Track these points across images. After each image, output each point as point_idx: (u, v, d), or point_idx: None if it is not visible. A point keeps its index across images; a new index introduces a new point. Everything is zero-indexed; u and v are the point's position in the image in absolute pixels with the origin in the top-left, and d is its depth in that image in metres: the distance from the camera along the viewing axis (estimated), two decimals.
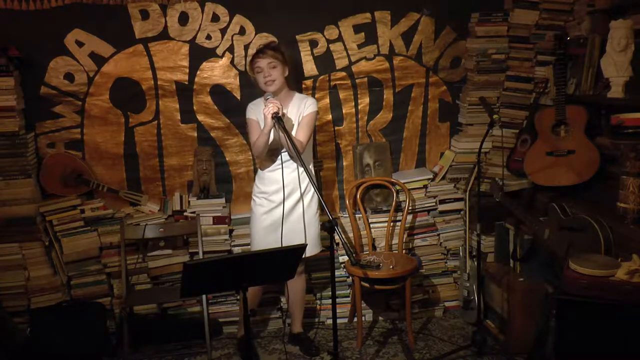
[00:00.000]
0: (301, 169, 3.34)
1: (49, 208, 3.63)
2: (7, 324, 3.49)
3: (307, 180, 3.36)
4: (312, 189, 3.42)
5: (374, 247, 3.93)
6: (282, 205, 3.34)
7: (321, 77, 3.86)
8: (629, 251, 2.75)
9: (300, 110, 3.39)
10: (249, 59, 3.53)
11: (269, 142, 3.25)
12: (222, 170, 3.89)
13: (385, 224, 3.89)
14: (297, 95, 3.47)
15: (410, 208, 3.87)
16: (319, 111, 3.84)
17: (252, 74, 3.42)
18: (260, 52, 3.33)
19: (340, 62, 3.85)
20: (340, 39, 3.82)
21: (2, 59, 3.41)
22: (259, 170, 3.51)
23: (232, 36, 3.74)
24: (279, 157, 3.36)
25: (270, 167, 3.41)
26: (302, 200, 3.39)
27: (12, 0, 3.50)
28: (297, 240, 3.30)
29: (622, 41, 3.13)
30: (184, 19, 3.69)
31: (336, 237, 2.76)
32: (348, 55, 3.85)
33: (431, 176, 3.97)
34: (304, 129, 3.35)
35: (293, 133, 3.33)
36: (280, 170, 3.32)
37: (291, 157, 3.33)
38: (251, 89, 3.67)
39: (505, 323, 3.49)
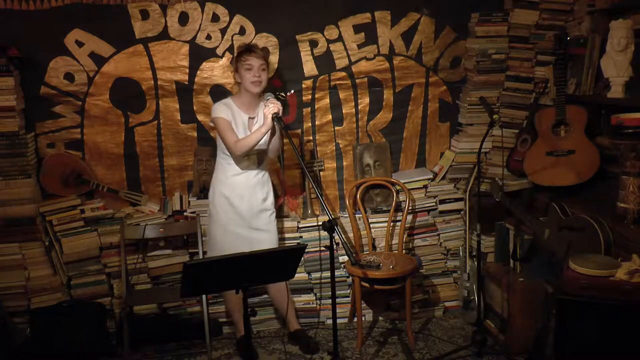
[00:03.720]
0: (263, 173, 3.43)
1: (49, 208, 3.63)
2: (7, 324, 3.49)
3: (268, 183, 3.46)
4: (272, 193, 3.49)
5: (374, 247, 3.93)
6: (248, 210, 3.38)
7: (321, 77, 3.86)
8: (629, 251, 2.76)
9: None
10: (236, 51, 3.43)
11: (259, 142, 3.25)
12: None
13: (385, 224, 3.89)
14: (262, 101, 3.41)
15: (410, 208, 3.87)
16: (319, 111, 3.89)
17: (236, 69, 3.32)
18: (251, 50, 3.30)
19: (340, 62, 3.86)
20: (340, 39, 3.82)
21: (2, 59, 3.41)
22: (219, 174, 3.42)
23: (232, 36, 3.74)
24: (251, 161, 3.36)
25: (236, 171, 3.37)
26: (264, 204, 3.44)
27: (12, 0, 3.50)
28: (263, 244, 3.34)
29: (622, 41, 3.13)
30: (184, 19, 3.69)
31: (336, 237, 2.77)
32: (348, 55, 3.85)
33: (431, 176, 3.97)
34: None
35: (266, 137, 3.28)
36: (246, 174, 3.36)
37: (277, 158, 3.44)
38: None
39: (505, 323, 3.49)
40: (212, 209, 3.44)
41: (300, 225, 3.87)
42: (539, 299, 3.12)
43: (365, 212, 3.92)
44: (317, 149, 3.96)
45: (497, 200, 3.52)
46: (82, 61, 3.64)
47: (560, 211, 3.23)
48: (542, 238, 3.26)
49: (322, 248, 3.82)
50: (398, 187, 3.89)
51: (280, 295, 3.55)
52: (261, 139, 3.21)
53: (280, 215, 3.85)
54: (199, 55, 3.74)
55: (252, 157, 3.37)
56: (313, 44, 3.82)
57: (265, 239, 3.42)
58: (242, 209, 3.38)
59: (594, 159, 3.38)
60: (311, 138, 3.94)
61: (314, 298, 3.93)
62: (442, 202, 3.98)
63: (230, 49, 3.74)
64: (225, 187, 3.38)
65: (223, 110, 3.31)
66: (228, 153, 3.32)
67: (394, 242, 3.91)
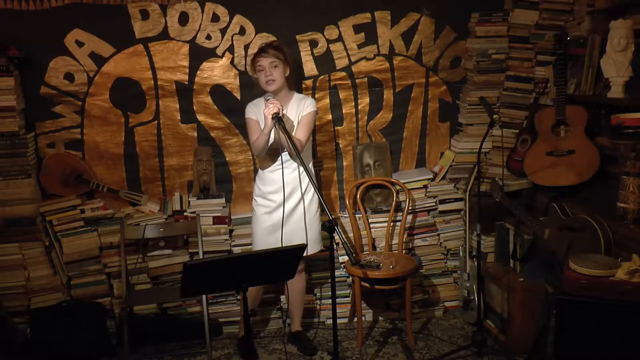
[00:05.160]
0: (301, 169, 3.36)
1: (49, 208, 3.63)
2: (7, 324, 3.49)
3: (307, 179, 3.37)
4: (312, 189, 3.43)
5: (374, 247, 3.93)
6: (282, 205, 3.35)
7: (321, 77, 3.86)
8: (629, 251, 2.76)
9: (300, 109, 3.39)
10: (250, 58, 3.55)
11: (269, 142, 3.26)
12: (222, 170, 3.89)
13: (385, 224, 3.89)
14: (296, 95, 3.48)
15: (410, 208, 3.87)
16: (319, 111, 3.87)
17: (253, 73, 3.43)
18: (262, 50, 3.34)
19: (340, 62, 3.85)
20: (340, 39, 3.82)
21: (2, 59, 3.41)
22: (259, 170, 3.51)
23: (232, 36, 3.74)
24: (279, 157, 3.37)
25: (270, 167, 3.42)
26: (303, 200, 3.40)
27: (12, 0, 3.50)
28: (298, 240, 3.32)
29: (622, 41, 3.13)
30: (184, 19, 3.69)
31: (336, 237, 2.77)
32: (348, 55, 3.85)
33: (431, 176, 3.97)
34: (303, 128, 3.36)
35: (293, 133, 3.33)
36: (280, 170, 3.33)
37: (291, 157, 3.35)
38: (251, 89, 3.68)
39: (505, 323, 3.49)
40: (253, 205, 3.50)
41: None
42: (539, 299, 3.12)
43: (365, 212, 3.92)
44: (317, 149, 3.96)
45: (497, 200, 3.52)
46: (82, 61, 3.64)
47: (560, 211, 3.23)
48: (542, 238, 3.26)
49: (322, 248, 3.82)
50: (398, 187, 3.89)
51: (297, 291, 3.55)
52: (267, 140, 3.22)
53: None
54: (199, 55, 3.74)
55: (280, 155, 3.36)
56: (313, 44, 3.82)
57: (302, 235, 3.37)
58: (278, 203, 3.38)
59: (594, 159, 3.37)
60: (311, 138, 3.93)
61: (314, 298, 3.93)
62: (442, 202, 3.98)
63: (230, 49, 3.74)
64: (262, 183, 3.44)
65: (251, 111, 3.41)
66: None
67: (394, 242, 3.91)
